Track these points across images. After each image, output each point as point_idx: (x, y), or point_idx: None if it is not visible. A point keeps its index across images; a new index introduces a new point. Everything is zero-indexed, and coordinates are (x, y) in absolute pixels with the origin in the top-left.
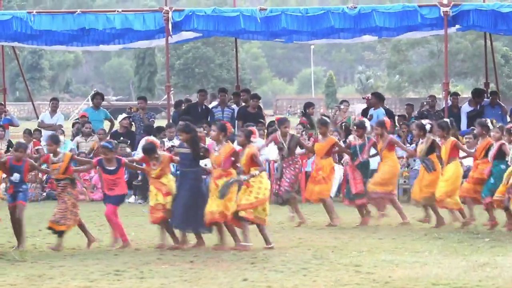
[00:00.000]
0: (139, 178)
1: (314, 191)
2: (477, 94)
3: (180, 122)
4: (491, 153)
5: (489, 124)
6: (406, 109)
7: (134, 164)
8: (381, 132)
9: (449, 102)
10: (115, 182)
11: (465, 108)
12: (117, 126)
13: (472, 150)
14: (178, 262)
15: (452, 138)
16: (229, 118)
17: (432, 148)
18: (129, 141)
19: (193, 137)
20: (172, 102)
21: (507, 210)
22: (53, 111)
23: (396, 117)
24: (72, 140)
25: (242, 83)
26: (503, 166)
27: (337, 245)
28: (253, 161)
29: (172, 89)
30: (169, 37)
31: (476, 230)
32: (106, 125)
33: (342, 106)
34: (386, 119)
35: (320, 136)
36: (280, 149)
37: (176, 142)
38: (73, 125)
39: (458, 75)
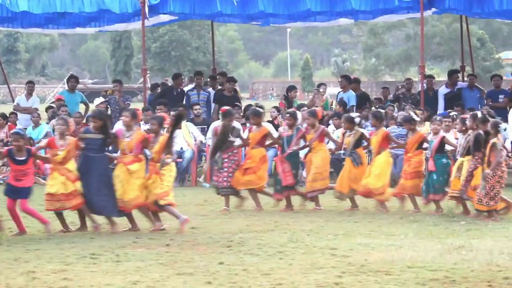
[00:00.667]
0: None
1: (241, 180)
2: (452, 73)
3: (94, 109)
4: (433, 146)
5: (414, 117)
6: (382, 92)
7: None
8: (313, 123)
9: (425, 85)
10: (24, 173)
11: (442, 90)
12: (92, 110)
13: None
14: (154, 246)
15: (384, 129)
16: (205, 101)
17: (360, 141)
18: None
19: (105, 124)
20: (148, 85)
21: (463, 203)
22: (29, 94)
23: (372, 100)
24: (48, 123)
25: (218, 66)
26: (444, 160)
27: (313, 228)
28: (166, 149)
29: (148, 72)
30: (146, 20)
31: (451, 213)
32: (82, 108)
33: (320, 90)
34: (318, 109)
35: (254, 127)
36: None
37: None
38: (46, 110)
39: (434, 58)
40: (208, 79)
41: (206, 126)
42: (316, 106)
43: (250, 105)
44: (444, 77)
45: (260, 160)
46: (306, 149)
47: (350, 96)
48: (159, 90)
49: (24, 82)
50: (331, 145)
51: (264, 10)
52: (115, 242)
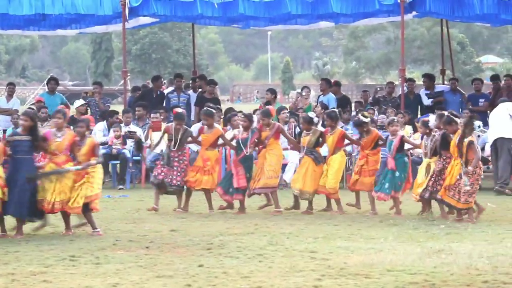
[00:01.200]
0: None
1: (201, 180)
2: (428, 76)
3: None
4: (393, 146)
5: (363, 119)
6: (362, 96)
7: None
8: (268, 122)
9: (406, 89)
10: None
11: (423, 91)
12: (73, 112)
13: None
14: (134, 248)
15: (339, 129)
16: (185, 104)
17: (318, 140)
18: None
19: (35, 125)
20: (129, 87)
21: (427, 201)
22: (9, 96)
23: (353, 104)
24: None
25: (199, 68)
26: (406, 159)
27: (293, 231)
28: (93, 152)
29: (128, 74)
30: (126, 22)
31: (431, 217)
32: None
33: (303, 93)
34: (271, 107)
35: (206, 127)
36: (170, 140)
37: (132, 127)
38: None
39: (414, 61)
40: (190, 82)
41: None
42: (300, 109)
43: (231, 108)
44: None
45: (215, 162)
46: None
47: (330, 99)
48: (139, 92)
49: (4, 83)
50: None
51: (245, 13)
52: (94, 244)
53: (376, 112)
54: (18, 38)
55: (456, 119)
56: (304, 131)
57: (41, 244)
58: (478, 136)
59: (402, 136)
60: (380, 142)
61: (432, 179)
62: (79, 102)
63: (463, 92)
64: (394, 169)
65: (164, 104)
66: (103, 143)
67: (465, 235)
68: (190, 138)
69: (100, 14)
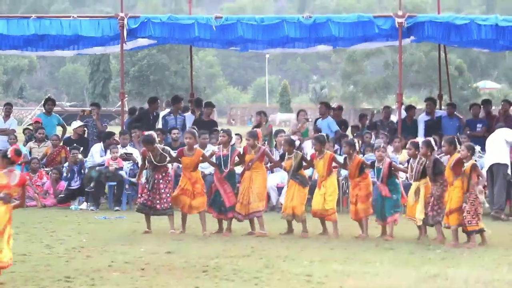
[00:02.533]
0: (91, 184)
1: (194, 204)
2: (431, 100)
3: None
4: (382, 172)
5: (356, 144)
6: (359, 119)
7: None
8: (253, 143)
9: (404, 113)
10: None
11: (423, 117)
12: (70, 132)
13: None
14: (130, 269)
15: (329, 152)
16: (181, 125)
17: (301, 163)
18: (82, 148)
19: None
20: (126, 108)
21: (431, 226)
22: (7, 116)
23: (350, 128)
24: (25, 145)
25: (196, 91)
26: (397, 180)
27: (289, 254)
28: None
29: (126, 96)
30: (124, 44)
31: (428, 242)
32: (59, 130)
33: (310, 119)
34: (258, 130)
35: (186, 149)
36: (150, 163)
37: (129, 149)
38: (24, 131)
39: (412, 86)
40: (189, 104)
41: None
42: (297, 133)
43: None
44: (422, 105)
45: (203, 183)
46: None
47: (330, 123)
48: (137, 113)
49: (2, 104)
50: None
51: (243, 36)
52: (89, 266)
53: (373, 136)
54: (16, 58)
55: (457, 143)
56: (287, 154)
57: (37, 265)
58: (476, 161)
59: (390, 162)
60: (365, 166)
61: (435, 206)
62: (76, 124)
63: (461, 117)
64: (389, 196)
65: (161, 126)
66: (100, 164)
67: (461, 260)
68: (169, 158)
69: (98, 35)
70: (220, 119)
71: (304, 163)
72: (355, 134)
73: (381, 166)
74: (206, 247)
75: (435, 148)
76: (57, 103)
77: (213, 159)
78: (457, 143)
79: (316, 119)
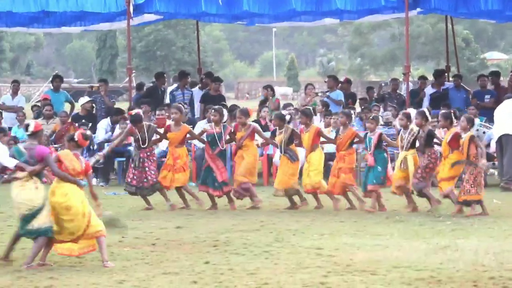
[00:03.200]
0: (101, 160)
1: (175, 179)
2: (439, 74)
3: None
4: (372, 142)
5: (352, 115)
6: (367, 93)
7: None
8: (244, 121)
9: (411, 85)
10: None
11: (428, 90)
12: (78, 109)
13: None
14: (140, 245)
15: (315, 126)
16: (189, 100)
17: (292, 137)
18: (90, 124)
19: None
20: (134, 84)
21: (407, 195)
22: (14, 93)
23: (358, 100)
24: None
25: (203, 66)
26: (385, 155)
27: (299, 228)
28: None
29: (133, 71)
30: (131, 20)
31: (437, 213)
32: (67, 107)
33: (319, 93)
34: (249, 108)
35: (173, 125)
36: (137, 140)
37: None
38: (32, 108)
39: (419, 58)
40: (201, 79)
41: (191, 126)
42: (307, 105)
43: (234, 105)
44: (429, 77)
45: (186, 158)
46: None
47: (339, 95)
48: (146, 89)
49: (9, 81)
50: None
51: (249, 10)
52: None
53: (381, 109)
54: (22, 35)
55: (453, 118)
56: (278, 129)
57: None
58: (484, 132)
59: (381, 134)
60: (356, 140)
61: (418, 175)
62: (84, 99)
63: (468, 89)
64: (373, 165)
65: (169, 101)
66: (107, 140)
67: (471, 231)
68: (155, 137)
69: (105, 11)
70: (227, 93)
71: (295, 139)
72: (363, 107)
73: (372, 136)
74: (216, 222)
75: (429, 118)
76: (64, 79)
77: (204, 137)
78: (453, 117)
79: (325, 92)
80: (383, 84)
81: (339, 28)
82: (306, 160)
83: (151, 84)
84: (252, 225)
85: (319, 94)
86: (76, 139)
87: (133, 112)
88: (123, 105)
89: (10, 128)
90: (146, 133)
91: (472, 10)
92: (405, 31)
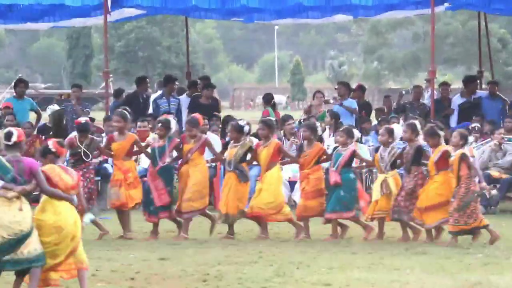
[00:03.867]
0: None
1: (131, 196)
2: (470, 81)
3: None
4: (341, 159)
5: (319, 128)
6: (384, 102)
7: None
8: (195, 133)
9: (436, 94)
10: None
11: (456, 99)
12: (45, 119)
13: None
14: (117, 279)
15: (275, 140)
16: (175, 109)
17: (247, 154)
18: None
19: None
20: (111, 90)
21: (400, 221)
22: None
23: (373, 111)
24: None
25: (193, 69)
26: (352, 175)
27: (303, 260)
28: None
29: (111, 75)
30: (108, 15)
31: (466, 245)
32: (33, 117)
33: (331, 101)
34: (198, 115)
35: (116, 134)
36: (72, 155)
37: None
38: None
39: (446, 62)
40: (188, 87)
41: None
42: (312, 117)
43: (229, 116)
44: (458, 84)
45: (136, 173)
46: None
47: (352, 103)
48: (126, 95)
49: None
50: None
51: (247, 5)
52: None
53: (401, 121)
54: None
55: (440, 132)
56: (232, 142)
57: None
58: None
59: (354, 151)
60: (323, 158)
61: (402, 198)
62: (52, 108)
63: (505, 99)
64: (339, 183)
65: (152, 111)
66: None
67: (505, 266)
68: (96, 152)
69: (78, 4)
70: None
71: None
72: (380, 119)
73: (342, 152)
74: (206, 253)
75: (420, 132)
76: (30, 85)
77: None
78: (439, 132)
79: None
80: (403, 92)
81: (353, 26)
82: (260, 180)
83: (131, 91)
84: (248, 256)
85: (331, 101)
86: (54, 150)
87: (82, 120)
88: (98, 114)
89: None
90: (88, 146)
91: (510, 5)
92: (431, 30)
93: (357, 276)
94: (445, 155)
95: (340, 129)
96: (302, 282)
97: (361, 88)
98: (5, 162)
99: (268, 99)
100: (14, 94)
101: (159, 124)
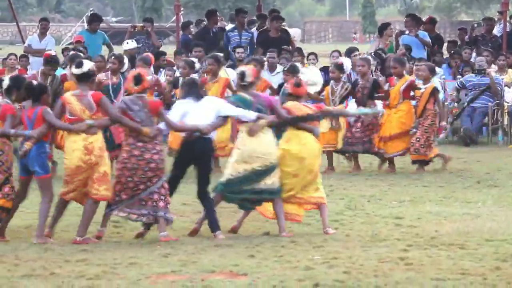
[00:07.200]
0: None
1: None
2: None
3: None
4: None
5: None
6: (458, 34)
7: None
8: (188, 73)
9: (509, 26)
10: None
11: None
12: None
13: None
14: (188, 212)
15: (224, 77)
16: (247, 43)
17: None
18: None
19: None
20: None
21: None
22: (42, 34)
23: (446, 44)
24: (64, 68)
25: (264, 2)
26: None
27: (374, 194)
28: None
29: (182, 9)
30: None
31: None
32: (105, 51)
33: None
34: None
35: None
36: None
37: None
38: (62, 51)
39: None
40: (255, 19)
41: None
42: (380, 49)
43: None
44: None
45: None
46: None
47: (424, 35)
48: (197, 30)
49: (36, 19)
50: None
51: None
52: None
53: (473, 53)
54: None
55: (405, 61)
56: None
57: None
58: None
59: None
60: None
61: (358, 129)
62: (130, 45)
63: None
64: None
65: (224, 44)
66: None
67: None
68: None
69: None
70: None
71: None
72: (452, 52)
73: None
74: None
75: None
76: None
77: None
78: (407, 63)
79: (401, 34)
80: (475, 25)
81: None
82: None
83: (199, 24)
84: None
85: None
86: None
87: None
88: (169, 48)
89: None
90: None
91: None
92: None
93: (428, 210)
94: (411, 85)
95: (285, 68)
96: (373, 216)
97: (432, 21)
98: (246, 96)
99: None
100: (87, 27)
101: (113, 58)
